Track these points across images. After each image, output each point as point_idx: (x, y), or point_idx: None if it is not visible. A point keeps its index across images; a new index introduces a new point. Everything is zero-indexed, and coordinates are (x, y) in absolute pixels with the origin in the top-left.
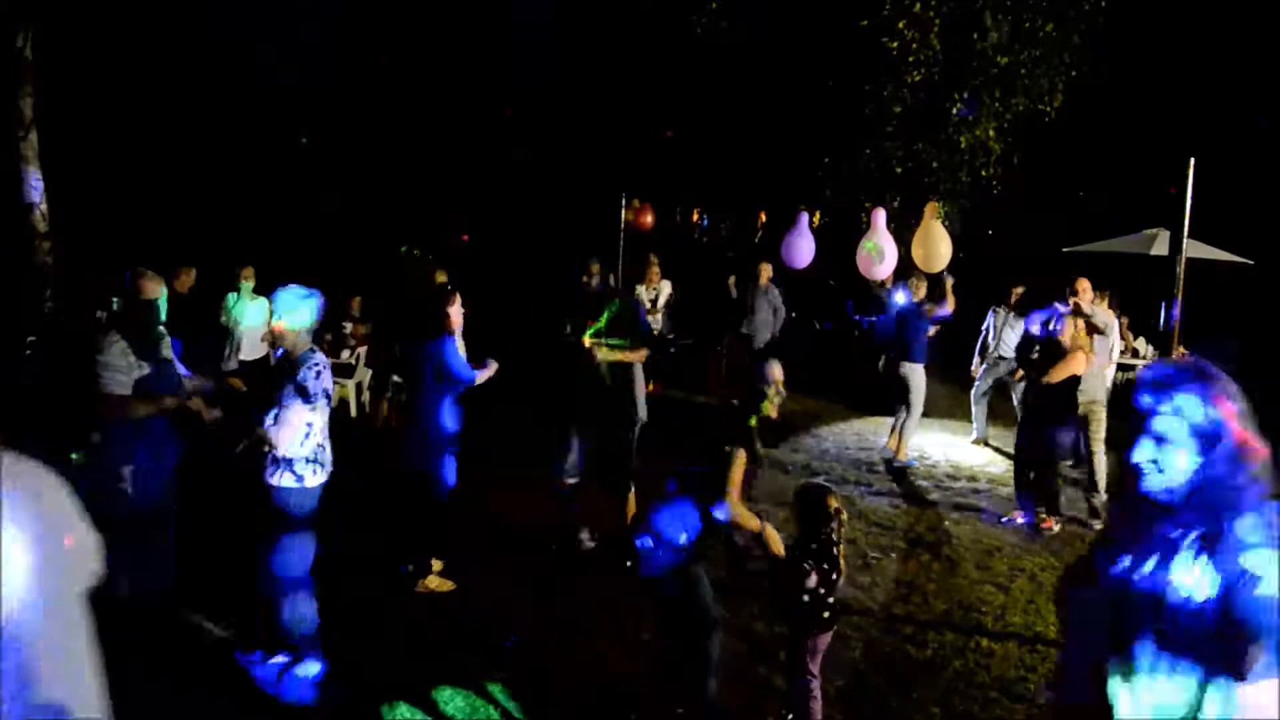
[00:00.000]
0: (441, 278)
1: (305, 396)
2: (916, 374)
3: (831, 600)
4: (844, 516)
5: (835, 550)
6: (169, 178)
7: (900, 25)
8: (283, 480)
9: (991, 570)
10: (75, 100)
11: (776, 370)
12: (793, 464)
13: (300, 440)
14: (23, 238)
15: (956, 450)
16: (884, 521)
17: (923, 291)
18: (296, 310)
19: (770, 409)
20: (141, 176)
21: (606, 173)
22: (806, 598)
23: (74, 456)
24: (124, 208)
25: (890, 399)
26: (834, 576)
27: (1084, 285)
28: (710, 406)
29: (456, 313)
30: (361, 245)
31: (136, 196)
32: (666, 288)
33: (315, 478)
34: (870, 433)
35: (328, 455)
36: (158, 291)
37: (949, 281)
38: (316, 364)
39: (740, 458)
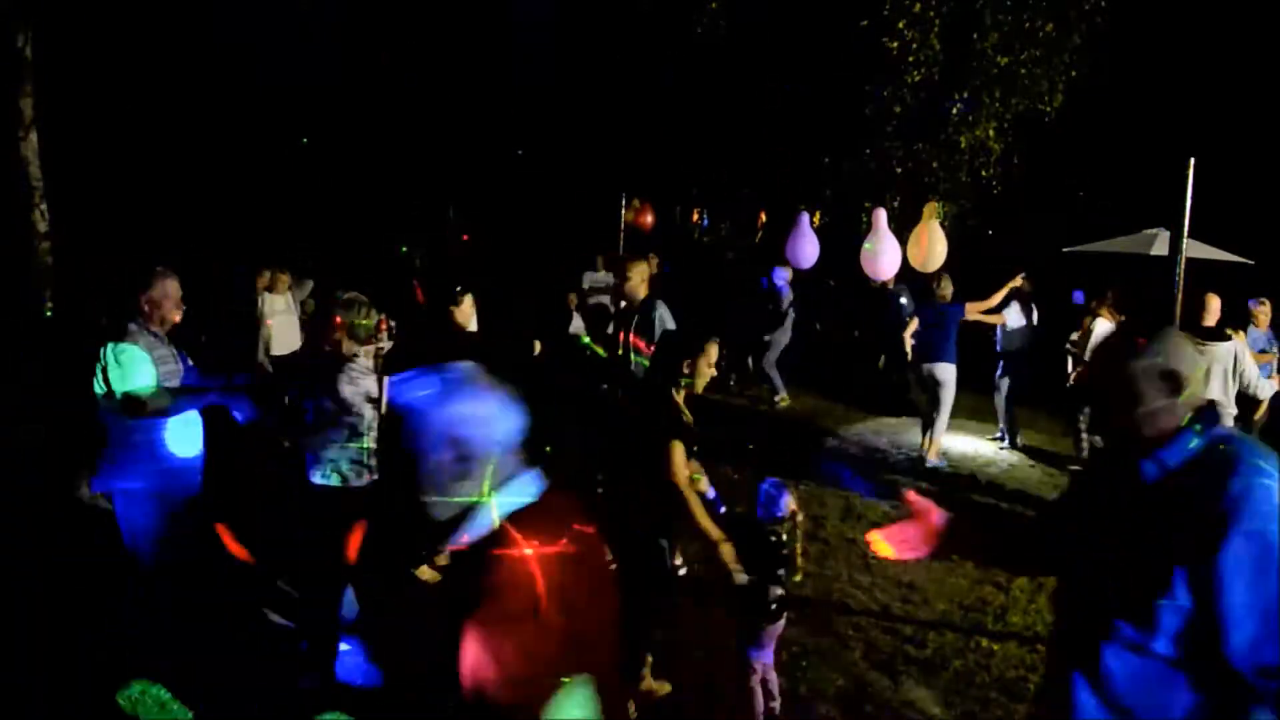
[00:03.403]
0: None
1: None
2: (949, 373)
3: (780, 593)
4: (799, 518)
5: (784, 550)
6: (168, 177)
7: (900, 25)
8: (327, 479)
9: (991, 570)
10: (75, 100)
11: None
12: (793, 464)
13: (342, 442)
14: (23, 238)
15: (956, 450)
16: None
17: (949, 291)
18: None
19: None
20: (141, 176)
21: (606, 173)
22: (744, 586)
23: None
24: (124, 207)
25: (907, 399)
26: (779, 572)
27: None
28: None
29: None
30: (360, 245)
31: (136, 196)
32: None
33: (359, 480)
34: (871, 433)
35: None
36: (177, 291)
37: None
38: (354, 369)
39: (676, 447)
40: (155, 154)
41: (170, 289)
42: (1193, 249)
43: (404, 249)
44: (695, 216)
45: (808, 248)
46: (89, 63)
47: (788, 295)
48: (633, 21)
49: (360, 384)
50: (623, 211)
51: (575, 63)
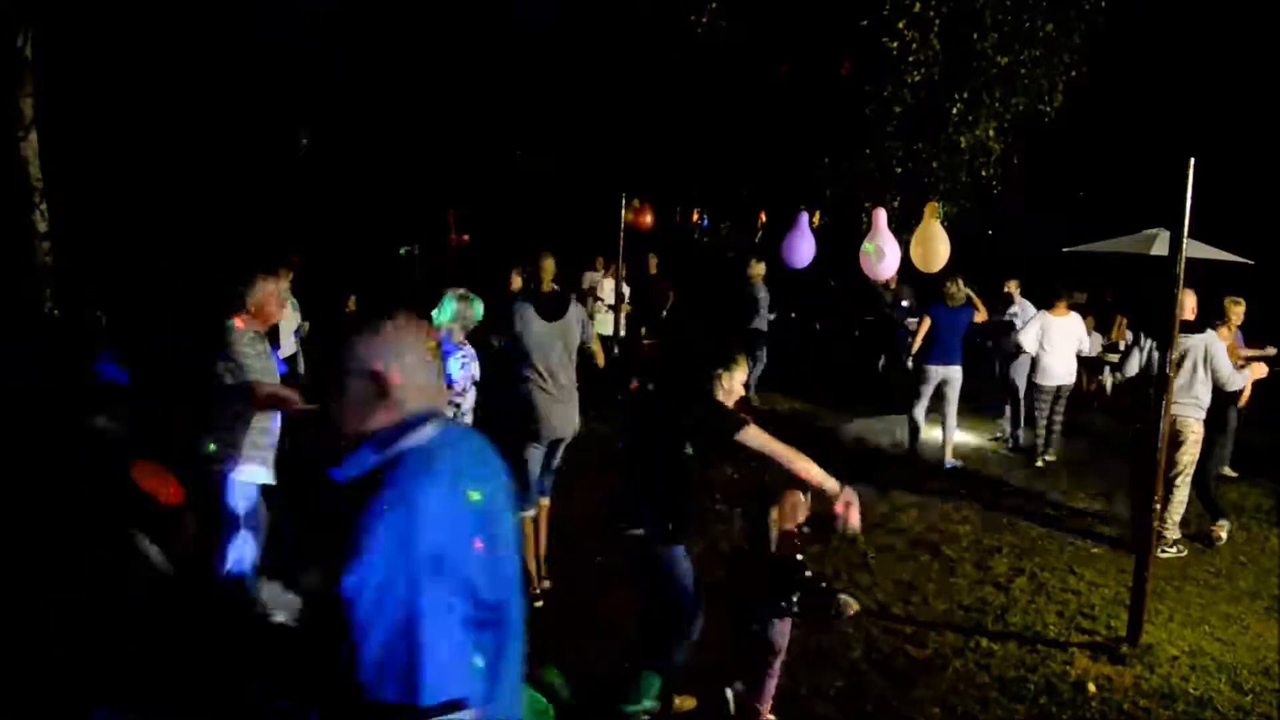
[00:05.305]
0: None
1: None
2: (959, 375)
3: (795, 594)
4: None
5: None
6: (169, 177)
7: (900, 25)
8: None
9: (991, 570)
10: (75, 100)
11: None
12: None
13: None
14: (23, 238)
15: (957, 450)
16: (884, 521)
17: (962, 293)
18: (441, 308)
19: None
20: (141, 176)
21: (606, 173)
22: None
23: (211, 447)
24: (124, 207)
25: (906, 399)
26: (800, 574)
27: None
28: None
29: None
30: (360, 245)
31: (136, 196)
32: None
33: None
34: (870, 433)
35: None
36: (276, 290)
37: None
38: (462, 355)
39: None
40: (155, 154)
41: (272, 288)
42: (1193, 249)
43: (403, 249)
44: (695, 216)
45: (803, 247)
46: (89, 63)
47: (764, 295)
48: (633, 21)
49: (469, 369)
50: (623, 211)
51: (575, 62)
